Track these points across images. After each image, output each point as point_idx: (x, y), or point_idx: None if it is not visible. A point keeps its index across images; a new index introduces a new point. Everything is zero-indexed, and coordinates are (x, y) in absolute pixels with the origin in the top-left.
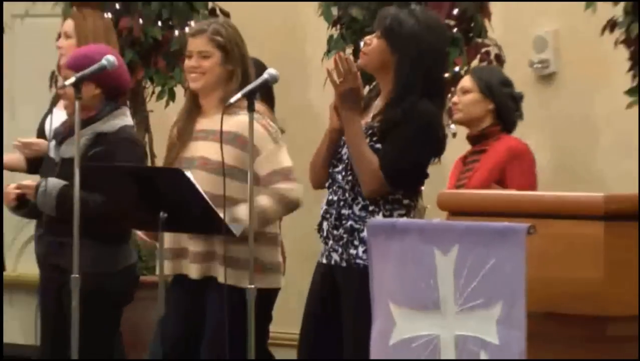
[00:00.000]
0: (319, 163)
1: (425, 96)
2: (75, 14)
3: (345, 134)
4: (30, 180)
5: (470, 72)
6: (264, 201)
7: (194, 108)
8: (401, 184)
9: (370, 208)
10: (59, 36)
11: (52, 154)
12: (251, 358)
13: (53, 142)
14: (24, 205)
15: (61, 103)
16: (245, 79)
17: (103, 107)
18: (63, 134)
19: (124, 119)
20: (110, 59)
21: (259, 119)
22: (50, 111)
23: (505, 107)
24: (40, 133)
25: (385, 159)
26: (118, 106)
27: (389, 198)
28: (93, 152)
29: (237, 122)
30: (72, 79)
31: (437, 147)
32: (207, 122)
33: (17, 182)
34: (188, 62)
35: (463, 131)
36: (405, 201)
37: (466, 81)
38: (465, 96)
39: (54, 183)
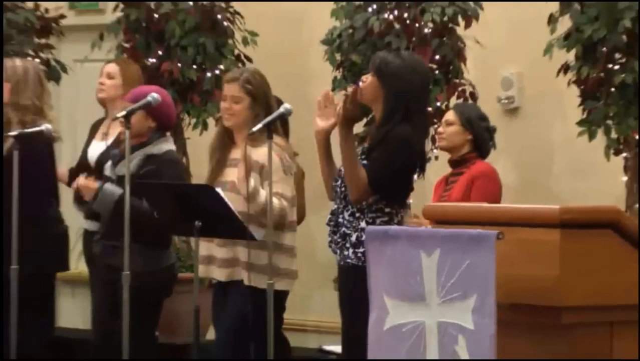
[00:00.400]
0: (324, 179)
1: (405, 121)
2: (121, 61)
3: (341, 152)
4: (93, 181)
5: (453, 107)
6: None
7: (227, 141)
8: (381, 192)
9: (357, 215)
10: (100, 76)
11: (108, 173)
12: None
13: (109, 163)
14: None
15: (99, 134)
16: (266, 116)
17: (153, 135)
18: (119, 156)
19: (169, 144)
20: (154, 96)
21: (277, 151)
22: (90, 139)
23: (481, 138)
24: (83, 157)
25: (369, 172)
26: (164, 134)
27: (372, 207)
28: (145, 171)
29: (261, 153)
30: (123, 112)
31: (411, 161)
32: (237, 153)
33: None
34: (223, 104)
35: (444, 155)
36: (387, 210)
37: (450, 115)
38: (449, 127)
39: (113, 189)
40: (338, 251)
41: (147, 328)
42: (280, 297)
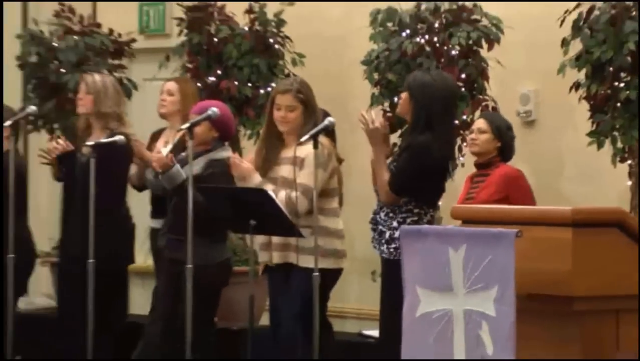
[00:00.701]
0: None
1: (428, 130)
2: (179, 79)
3: (374, 160)
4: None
5: (483, 116)
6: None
7: (277, 142)
8: (401, 194)
9: (390, 215)
10: (161, 93)
11: None
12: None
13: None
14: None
15: (161, 141)
16: (315, 123)
17: (215, 144)
18: (185, 160)
19: (228, 152)
20: (214, 110)
21: (326, 149)
22: (149, 146)
23: (508, 145)
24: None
25: (390, 177)
26: (223, 143)
27: (402, 208)
28: (208, 173)
29: (303, 149)
30: (187, 124)
31: (431, 166)
32: (287, 152)
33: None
34: (278, 113)
35: (469, 162)
36: (416, 210)
37: (482, 123)
38: (482, 135)
39: (182, 171)
40: (377, 246)
41: (207, 315)
42: (329, 275)
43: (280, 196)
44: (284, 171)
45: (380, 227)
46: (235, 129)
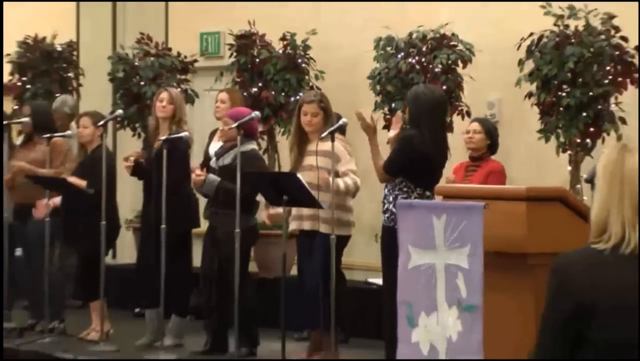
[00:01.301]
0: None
1: (417, 128)
2: (229, 90)
3: (371, 149)
4: (200, 175)
5: (477, 120)
6: (342, 182)
7: (304, 139)
8: (391, 174)
9: (389, 191)
10: (216, 101)
11: (213, 165)
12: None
13: (214, 158)
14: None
15: (216, 136)
16: (331, 123)
17: (242, 139)
18: (220, 153)
19: (253, 145)
20: (257, 113)
21: (342, 143)
22: (209, 141)
23: (496, 143)
24: (206, 154)
25: (384, 162)
26: (250, 139)
27: (396, 186)
28: (236, 163)
29: (327, 145)
30: (236, 123)
31: (414, 153)
32: (311, 146)
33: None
34: (304, 118)
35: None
36: (405, 188)
37: (476, 126)
38: (477, 135)
39: (213, 179)
40: (382, 216)
41: (244, 268)
42: (343, 240)
43: (339, 184)
44: (310, 160)
45: (384, 200)
46: (257, 129)
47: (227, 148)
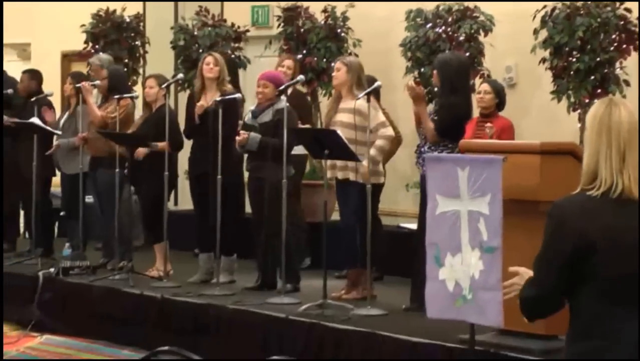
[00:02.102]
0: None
1: (453, 94)
2: (295, 60)
3: (419, 113)
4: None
5: (487, 82)
6: (373, 150)
7: (339, 98)
8: (443, 136)
9: (432, 148)
10: (278, 66)
11: (250, 122)
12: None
13: (249, 115)
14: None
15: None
16: (361, 84)
17: (276, 99)
18: (258, 112)
19: (284, 103)
20: (302, 77)
21: (373, 104)
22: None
23: (503, 101)
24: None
25: (435, 125)
26: (280, 98)
27: (440, 144)
28: (276, 119)
29: (358, 104)
30: (284, 86)
31: (459, 116)
32: (344, 104)
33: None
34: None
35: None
36: (450, 145)
37: (486, 87)
38: (487, 95)
39: (255, 137)
40: (422, 170)
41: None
42: (377, 188)
43: (372, 153)
44: (342, 117)
45: (423, 156)
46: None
47: (264, 107)
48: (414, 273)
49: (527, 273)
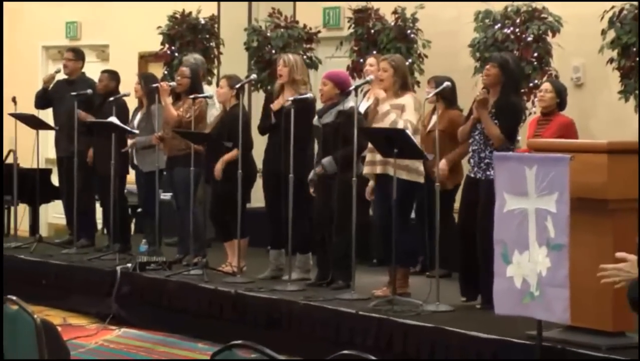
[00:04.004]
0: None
1: (514, 94)
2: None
3: (482, 119)
4: None
5: (550, 82)
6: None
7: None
8: (509, 138)
9: (490, 152)
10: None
11: (315, 122)
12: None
13: (316, 117)
14: None
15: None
16: (408, 86)
17: (340, 98)
18: (322, 112)
19: (352, 102)
20: (372, 77)
21: (415, 100)
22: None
23: (564, 101)
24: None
25: (502, 129)
26: (347, 97)
27: (503, 146)
28: (339, 121)
29: (404, 99)
30: (353, 86)
31: (519, 117)
32: (388, 101)
33: None
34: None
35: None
36: (510, 147)
37: (548, 86)
38: (548, 94)
39: (326, 161)
40: (481, 173)
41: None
42: (414, 186)
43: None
44: (391, 116)
45: (487, 160)
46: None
47: (327, 107)
48: (463, 268)
49: (635, 261)
